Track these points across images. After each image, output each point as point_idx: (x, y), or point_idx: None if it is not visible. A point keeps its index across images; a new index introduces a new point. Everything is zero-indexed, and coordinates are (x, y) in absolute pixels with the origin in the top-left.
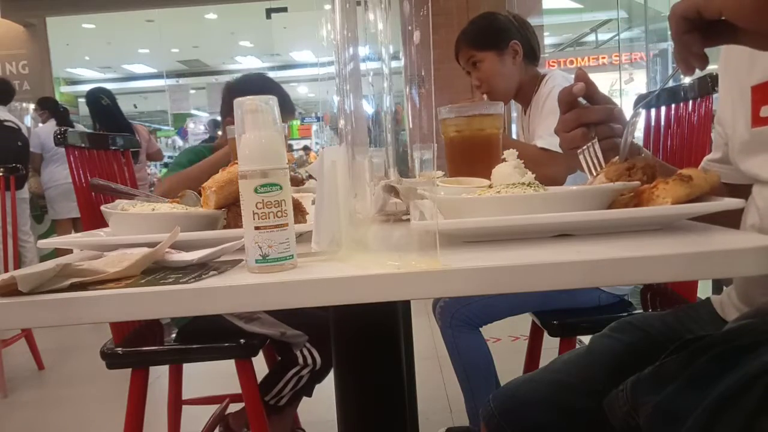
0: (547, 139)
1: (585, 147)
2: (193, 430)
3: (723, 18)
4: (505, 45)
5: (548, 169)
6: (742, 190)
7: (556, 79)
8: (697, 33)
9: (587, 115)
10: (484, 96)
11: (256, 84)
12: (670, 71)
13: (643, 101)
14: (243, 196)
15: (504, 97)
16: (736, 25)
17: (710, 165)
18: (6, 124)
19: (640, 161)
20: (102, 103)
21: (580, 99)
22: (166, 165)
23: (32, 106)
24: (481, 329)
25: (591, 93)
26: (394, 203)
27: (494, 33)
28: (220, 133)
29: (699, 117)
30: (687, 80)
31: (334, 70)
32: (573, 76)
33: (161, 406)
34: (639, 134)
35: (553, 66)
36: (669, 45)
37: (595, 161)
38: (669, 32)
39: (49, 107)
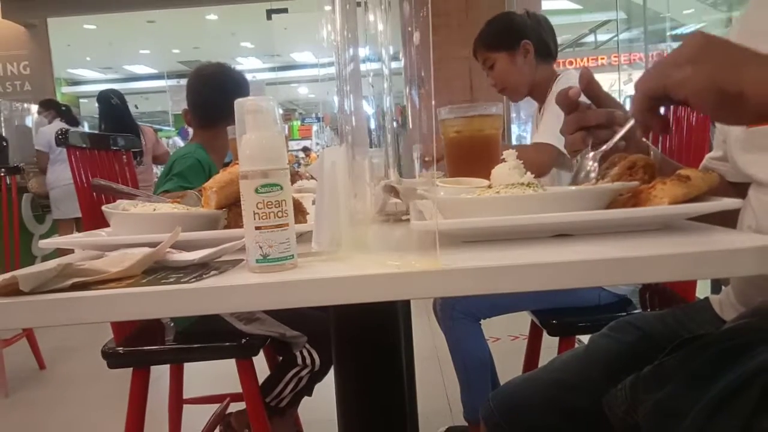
0: (542, 136)
1: (581, 154)
2: (194, 429)
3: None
4: (516, 45)
5: (533, 155)
6: (745, 188)
7: (570, 79)
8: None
9: (586, 118)
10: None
11: (222, 74)
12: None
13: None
14: (244, 197)
15: (517, 95)
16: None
17: (712, 163)
18: None
19: (640, 160)
20: (111, 102)
21: (585, 100)
22: None
23: (33, 106)
24: (480, 327)
25: (595, 94)
26: (394, 203)
27: (506, 34)
28: (190, 129)
29: (698, 117)
30: None
31: (334, 71)
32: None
33: (162, 406)
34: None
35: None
36: (668, 46)
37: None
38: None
39: (53, 107)
